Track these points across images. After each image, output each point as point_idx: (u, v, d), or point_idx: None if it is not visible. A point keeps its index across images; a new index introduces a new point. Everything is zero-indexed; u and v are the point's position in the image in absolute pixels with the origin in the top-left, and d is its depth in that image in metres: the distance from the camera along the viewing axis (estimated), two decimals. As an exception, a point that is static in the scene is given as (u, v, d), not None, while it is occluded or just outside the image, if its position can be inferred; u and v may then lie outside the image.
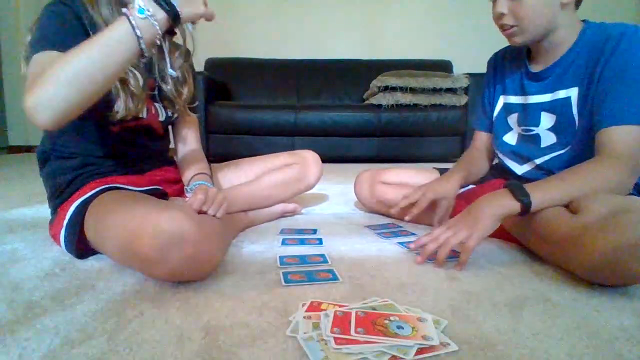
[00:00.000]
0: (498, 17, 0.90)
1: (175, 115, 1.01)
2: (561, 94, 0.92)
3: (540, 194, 0.77)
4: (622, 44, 0.81)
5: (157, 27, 0.67)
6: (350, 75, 3.44)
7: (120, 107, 0.82)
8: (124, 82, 0.83)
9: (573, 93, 0.90)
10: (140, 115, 0.89)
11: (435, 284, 0.72)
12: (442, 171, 1.22)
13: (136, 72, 0.84)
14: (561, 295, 0.68)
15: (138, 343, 0.53)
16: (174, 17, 0.68)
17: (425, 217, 1.10)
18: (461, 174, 1.06)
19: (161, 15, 0.67)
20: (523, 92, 1.00)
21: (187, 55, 0.98)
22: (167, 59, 0.83)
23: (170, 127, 1.06)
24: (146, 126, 0.93)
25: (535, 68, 0.97)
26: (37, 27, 0.78)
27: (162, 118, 0.97)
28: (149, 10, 0.65)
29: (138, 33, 0.65)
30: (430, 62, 3.39)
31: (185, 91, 0.98)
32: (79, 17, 0.80)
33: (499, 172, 1.12)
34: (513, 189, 0.79)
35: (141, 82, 0.85)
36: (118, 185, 0.85)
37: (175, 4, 0.68)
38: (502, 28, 0.91)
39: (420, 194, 1.02)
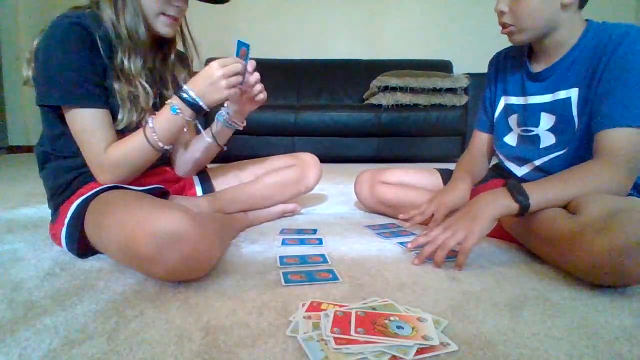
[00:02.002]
0: (499, 15, 0.90)
1: None
2: (561, 94, 0.92)
3: (539, 195, 0.77)
4: (624, 45, 0.81)
5: (185, 119, 0.84)
6: (350, 75, 3.44)
7: (124, 119, 0.84)
8: (135, 97, 0.85)
9: (573, 94, 0.90)
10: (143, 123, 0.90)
11: (435, 284, 0.72)
12: (442, 171, 1.22)
13: (147, 86, 0.87)
14: (561, 295, 0.68)
15: (138, 343, 0.53)
16: (199, 110, 0.84)
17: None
18: (468, 181, 1.03)
19: (189, 112, 0.83)
20: (523, 93, 1.00)
21: (189, 67, 1.02)
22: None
23: None
24: None
25: (536, 68, 0.97)
26: (51, 51, 0.78)
27: None
28: (180, 109, 0.83)
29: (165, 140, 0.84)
30: (430, 62, 3.38)
31: None
32: (91, 36, 0.80)
33: (499, 172, 1.12)
34: (512, 189, 0.79)
35: (151, 97, 0.89)
36: (118, 184, 0.85)
37: (199, 99, 0.82)
38: (503, 26, 0.91)
39: (434, 209, 0.96)
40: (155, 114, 0.85)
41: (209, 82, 0.82)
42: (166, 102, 0.84)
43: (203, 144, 1.08)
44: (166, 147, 0.85)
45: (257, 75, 0.93)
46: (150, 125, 0.82)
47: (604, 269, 0.64)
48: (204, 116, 1.08)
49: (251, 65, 0.89)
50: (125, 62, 0.84)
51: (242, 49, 0.86)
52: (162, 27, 0.88)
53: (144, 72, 0.88)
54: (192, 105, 0.83)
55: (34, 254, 0.89)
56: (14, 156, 3.43)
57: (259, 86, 0.95)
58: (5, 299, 0.66)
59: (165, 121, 0.83)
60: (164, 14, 0.87)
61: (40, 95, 0.81)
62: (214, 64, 0.82)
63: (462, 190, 1.00)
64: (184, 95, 0.82)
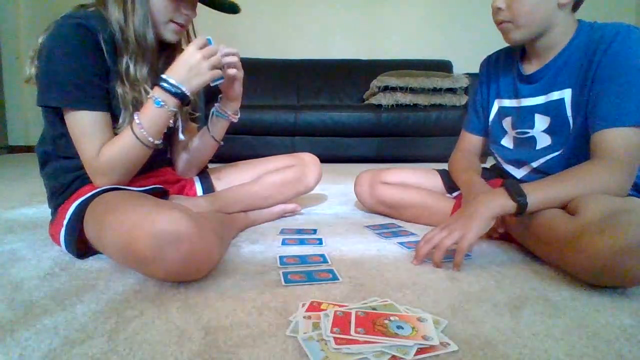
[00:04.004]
0: (495, 12, 0.90)
1: (176, 124, 1.01)
2: (555, 95, 0.91)
3: (537, 195, 0.77)
4: (615, 44, 0.81)
5: (170, 109, 0.82)
6: (350, 75, 3.44)
7: (125, 123, 0.84)
8: (139, 102, 0.85)
9: (567, 94, 0.90)
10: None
11: (435, 284, 0.72)
12: (442, 172, 1.22)
13: (150, 90, 0.86)
14: (561, 295, 0.68)
15: (138, 343, 0.53)
16: (183, 98, 0.82)
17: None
18: (481, 179, 1.00)
19: (172, 101, 0.81)
20: (516, 95, 1.00)
21: None
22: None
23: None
24: None
25: (528, 70, 0.97)
26: (54, 52, 0.78)
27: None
28: (164, 101, 0.81)
29: (150, 139, 0.82)
30: (430, 62, 3.38)
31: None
32: (95, 39, 0.80)
33: (498, 172, 1.12)
34: (510, 188, 0.79)
35: None
36: (118, 185, 0.85)
37: (181, 86, 0.81)
38: (498, 23, 0.91)
39: None
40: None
41: (189, 66, 0.81)
42: (149, 95, 0.82)
43: (201, 140, 1.08)
44: (157, 142, 0.84)
45: (225, 50, 0.89)
46: (137, 121, 0.81)
47: (604, 270, 0.64)
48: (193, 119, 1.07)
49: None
50: (131, 68, 0.84)
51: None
52: (170, 34, 0.89)
53: (149, 78, 0.87)
54: (175, 93, 0.80)
55: (34, 254, 0.89)
56: (14, 156, 3.43)
57: (228, 59, 0.90)
58: (5, 299, 0.66)
59: (150, 115, 0.81)
60: (172, 21, 0.87)
61: (41, 95, 0.80)
62: (190, 48, 0.81)
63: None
64: (165, 84, 0.80)
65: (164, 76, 0.81)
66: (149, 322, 0.58)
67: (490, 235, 0.96)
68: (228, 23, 3.65)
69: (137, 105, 0.85)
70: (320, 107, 3.03)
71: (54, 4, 3.17)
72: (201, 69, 0.81)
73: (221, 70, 0.86)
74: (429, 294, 0.68)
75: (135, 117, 0.82)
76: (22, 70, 3.65)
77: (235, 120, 1.07)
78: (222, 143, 1.09)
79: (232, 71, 0.93)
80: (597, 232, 0.64)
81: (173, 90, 0.80)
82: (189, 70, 0.81)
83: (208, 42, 0.85)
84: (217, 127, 1.06)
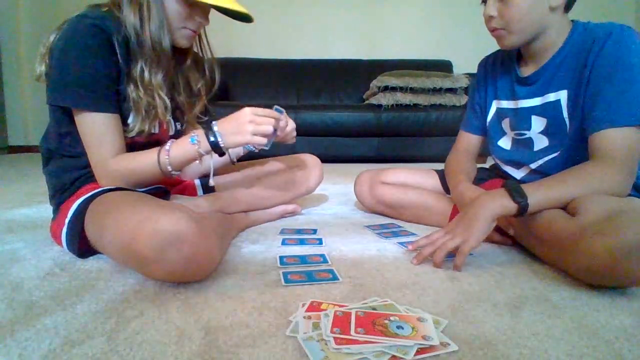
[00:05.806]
0: (487, 20, 0.90)
1: (184, 127, 1.01)
2: (551, 97, 0.91)
3: (538, 196, 0.77)
4: (609, 44, 0.81)
5: (199, 151, 0.82)
6: (350, 75, 3.44)
7: (136, 127, 0.84)
8: (153, 107, 0.85)
9: (562, 96, 0.90)
10: (152, 131, 0.90)
11: (435, 284, 0.72)
12: (439, 172, 1.22)
13: (166, 99, 0.86)
14: (561, 295, 0.68)
15: (138, 343, 0.53)
16: (215, 146, 0.82)
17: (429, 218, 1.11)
18: (470, 184, 1.00)
19: (205, 146, 0.82)
20: (513, 97, 1.00)
21: (203, 71, 1.01)
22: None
23: None
24: (155, 140, 0.93)
25: (524, 72, 0.97)
26: (68, 52, 0.78)
27: (172, 132, 0.97)
28: (199, 142, 0.82)
29: (169, 169, 0.84)
30: (430, 62, 3.39)
31: (198, 105, 1.01)
32: (109, 39, 0.80)
33: (497, 172, 1.12)
34: (510, 189, 0.79)
35: (169, 110, 0.88)
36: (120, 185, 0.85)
37: (219, 136, 0.81)
38: (492, 30, 0.91)
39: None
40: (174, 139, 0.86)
41: (236, 123, 0.82)
42: (192, 131, 0.84)
43: (218, 160, 1.07)
44: (174, 173, 0.85)
45: (292, 124, 0.96)
46: (167, 148, 0.82)
47: (604, 270, 0.64)
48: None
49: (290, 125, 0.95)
50: (146, 74, 0.83)
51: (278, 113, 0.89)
52: (182, 39, 0.89)
53: (165, 84, 0.87)
54: (212, 141, 0.81)
55: (34, 254, 0.89)
56: (14, 156, 3.43)
57: (292, 134, 0.99)
58: (5, 299, 0.66)
59: (182, 149, 0.83)
60: (185, 27, 0.87)
61: (53, 95, 0.80)
62: (246, 109, 0.83)
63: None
64: (208, 129, 0.82)
65: (213, 122, 0.83)
66: (149, 322, 0.58)
67: (492, 240, 0.96)
68: (228, 23, 3.66)
69: (150, 110, 0.85)
70: (320, 107, 3.02)
71: (54, 4, 3.18)
72: (243, 130, 0.82)
73: (265, 138, 0.86)
74: (429, 294, 0.68)
75: (168, 144, 0.83)
76: (22, 70, 3.66)
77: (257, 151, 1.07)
78: (235, 163, 1.11)
79: (293, 140, 1.00)
80: (597, 232, 0.64)
81: (210, 137, 0.81)
82: (233, 126, 0.82)
83: (276, 111, 0.87)
84: (239, 152, 1.08)
